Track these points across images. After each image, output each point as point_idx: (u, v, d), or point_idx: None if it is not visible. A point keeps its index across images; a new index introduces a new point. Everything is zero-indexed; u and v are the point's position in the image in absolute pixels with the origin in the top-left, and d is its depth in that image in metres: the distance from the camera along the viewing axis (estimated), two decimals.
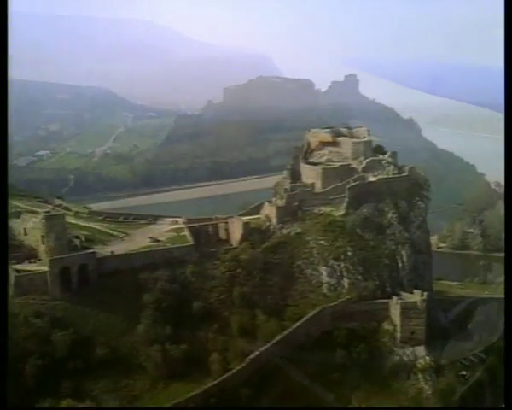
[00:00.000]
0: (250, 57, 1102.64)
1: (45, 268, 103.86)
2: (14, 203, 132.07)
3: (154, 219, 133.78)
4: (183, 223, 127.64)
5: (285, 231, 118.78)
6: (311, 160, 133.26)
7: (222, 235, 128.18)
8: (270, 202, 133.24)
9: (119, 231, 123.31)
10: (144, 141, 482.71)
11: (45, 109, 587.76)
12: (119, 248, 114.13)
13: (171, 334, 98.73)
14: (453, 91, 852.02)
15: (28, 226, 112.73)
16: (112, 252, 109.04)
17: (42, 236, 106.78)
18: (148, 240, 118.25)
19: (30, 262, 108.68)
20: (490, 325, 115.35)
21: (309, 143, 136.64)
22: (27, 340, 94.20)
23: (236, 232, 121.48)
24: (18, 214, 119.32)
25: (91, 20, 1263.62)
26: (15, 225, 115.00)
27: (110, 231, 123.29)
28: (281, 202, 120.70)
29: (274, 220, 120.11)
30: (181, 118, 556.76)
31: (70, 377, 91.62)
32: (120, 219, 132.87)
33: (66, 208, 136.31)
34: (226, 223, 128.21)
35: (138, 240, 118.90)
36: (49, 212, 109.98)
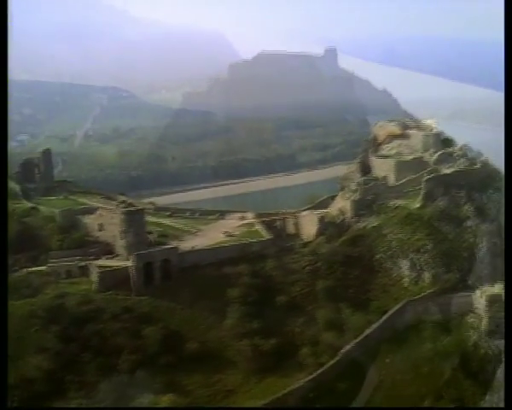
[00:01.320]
0: (201, 34, 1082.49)
1: (126, 263, 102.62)
2: (80, 200, 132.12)
3: (222, 214, 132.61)
4: (253, 218, 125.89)
5: (361, 225, 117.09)
6: (379, 153, 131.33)
7: (290, 229, 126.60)
8: (333, 197, 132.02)
9: (191, 227, 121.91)
10: (127, 122, 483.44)
11: (14, 93, 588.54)
12: (194, 243, 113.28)
13: (259, 328, 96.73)
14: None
15: (105, 222, 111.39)
16: (193, 247, 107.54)
17: (120, 231, 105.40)
18: (223, 235, 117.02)
19: (107, 258, 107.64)
20: None
21: (376, 137, 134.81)
22: (117, 335, 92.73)
23: (309, 226, 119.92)
24: (92, 210, 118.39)
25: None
26: (89, 220, 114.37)
27: (181, 227, 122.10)
28: (355, 196, 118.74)
29: (349, 214, 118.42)
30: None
31: (163, 372, 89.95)
32: (187, 215, 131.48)
33: (131, 204, 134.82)
34: (295, 217, 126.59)
35: (212, 235, 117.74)
36: (127, 207, 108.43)
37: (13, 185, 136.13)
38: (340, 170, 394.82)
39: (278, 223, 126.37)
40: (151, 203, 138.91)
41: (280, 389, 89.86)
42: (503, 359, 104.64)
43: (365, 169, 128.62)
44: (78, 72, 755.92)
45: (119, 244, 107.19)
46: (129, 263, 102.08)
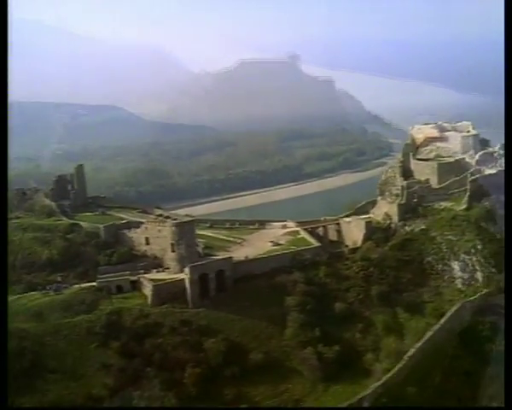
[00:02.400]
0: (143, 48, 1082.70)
1: (179, 276, 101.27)
2: (117, 215, 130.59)
3: (261, 223, 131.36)
4: (296, 226, 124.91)
5: (408, 228, 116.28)
6: (418, 156, 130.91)
7: (332, 236, 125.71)
8: (371, 202, 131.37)
9: (235, 237, 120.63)
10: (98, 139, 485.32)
11: None
12: (242, 253, 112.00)
13: (321, 336, 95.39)
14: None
15: (151, 235, 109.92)
16: (246, 257, 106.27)
17: (172, 243, 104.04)
18: (270, 244, 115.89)
19: (158, 271, 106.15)
20: None
21: (414, 140, 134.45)
22: (178, 349, 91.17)
23: (355, 232, 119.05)
24: (134, 225, 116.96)
25: None
26: (135, 235, 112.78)
27: (225, 238, 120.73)
28: (400, 200, 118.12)
29: (395, 218, 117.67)
30: None
31: (230, 384, 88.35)
32: (227, 226, 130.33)
33: (168, 217, 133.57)
34: (337, 224, 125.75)
35: (259, 245, 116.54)
36: (176, 219, 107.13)
37: (48, 202, 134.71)
38: (347, 178, 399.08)
39: (321, 230, 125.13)
40: (187, 216, 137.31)
41: (348, 396, 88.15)
42: None
43: (406, 173, 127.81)
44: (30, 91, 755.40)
45: (170, 257, 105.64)
46: (182, 275, 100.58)
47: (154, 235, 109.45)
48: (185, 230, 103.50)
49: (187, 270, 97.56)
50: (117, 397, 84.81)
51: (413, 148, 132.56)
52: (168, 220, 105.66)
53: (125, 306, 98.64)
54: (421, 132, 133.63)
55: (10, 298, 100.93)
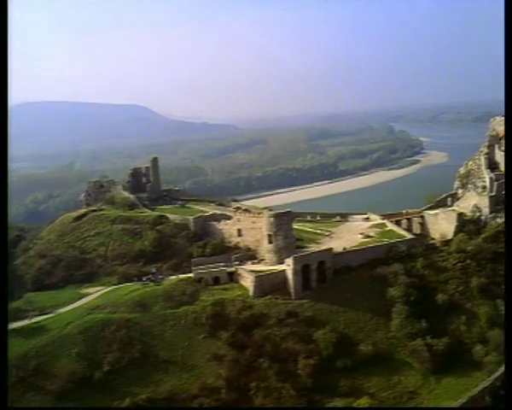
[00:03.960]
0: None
1: (278, 267, 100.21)
2: (196, 208, 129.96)
3: (343, 216, 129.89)
4: (382, 218, 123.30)
5: (499, 221, 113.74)
6: (502, 148, 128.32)
7: (415, 229, 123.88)
8: (451, 195, 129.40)
9: (322, 229, 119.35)
10: None
11: None
12: (333, 245, 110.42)
13: (428, 328, 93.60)
14: None
15: (244, 227, 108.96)
16: (344, 248, 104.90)
17: (269, 234, 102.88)
18: (360, 236, 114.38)
19: (253, 263, 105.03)
20: None
21: (497, 132, 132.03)
22: (287, 340, 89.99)
23: (443, 225, 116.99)
24: (221, 217, 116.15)
25: None
26: (226, 227, 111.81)
27: (312, 230, 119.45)
28: (490, 192, 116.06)
29: (485, 210, 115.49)
30: None
31: (343, 376, 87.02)
32: (309, 218, 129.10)
33: (247, 210, 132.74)
34: (421, 217, 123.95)
35: (349, 237, 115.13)
36: (271, 210, 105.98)
37: (127, 195, 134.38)
38: (384, 175, 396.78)
39: (405, 223, 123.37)
40: (266, 208, 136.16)
41: (461, 388, 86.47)
42: None
43: (492, 165, 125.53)
44: None
45: (266, 248, 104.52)
46: (283, 267, 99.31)
47: (247, 226, 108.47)
48: (283, 221, 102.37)
49: (289, 261, 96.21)
50: (232, 388, 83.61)
51: (497, 139, 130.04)
52: (264, 211, 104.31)
53: (226, 297, 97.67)
54: (502, 124, 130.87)
55: (108, 289, 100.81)
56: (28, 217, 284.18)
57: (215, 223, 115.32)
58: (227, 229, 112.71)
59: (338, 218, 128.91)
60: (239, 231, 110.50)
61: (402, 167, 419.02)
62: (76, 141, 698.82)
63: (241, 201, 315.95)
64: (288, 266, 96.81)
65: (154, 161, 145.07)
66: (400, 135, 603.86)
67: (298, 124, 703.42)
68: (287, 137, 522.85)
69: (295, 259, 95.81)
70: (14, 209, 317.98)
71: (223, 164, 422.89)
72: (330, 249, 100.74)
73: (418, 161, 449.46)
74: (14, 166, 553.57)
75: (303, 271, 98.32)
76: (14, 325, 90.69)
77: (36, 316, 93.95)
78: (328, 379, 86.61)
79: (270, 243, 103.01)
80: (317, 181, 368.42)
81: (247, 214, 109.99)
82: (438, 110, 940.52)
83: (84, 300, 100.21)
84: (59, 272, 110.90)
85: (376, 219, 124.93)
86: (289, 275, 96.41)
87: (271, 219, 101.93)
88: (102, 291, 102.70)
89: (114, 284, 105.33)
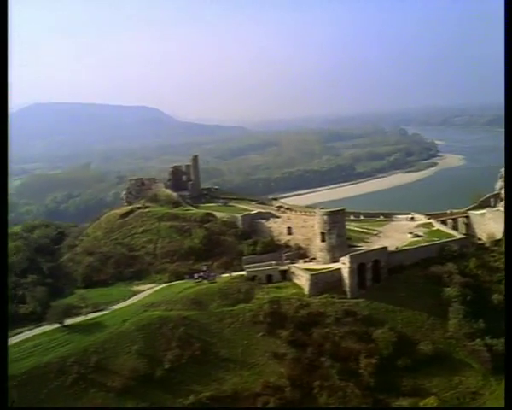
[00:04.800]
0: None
1: (332, 266, 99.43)
2: (239, 206, 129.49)
3: (386, 216, 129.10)
4: (427, 218, 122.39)
5: None
6: None
7: (460, 229, 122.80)
8: (494, 195, 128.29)
9: (369, 229, 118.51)
10: None
11: None
12: (382, 243, 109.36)
13: (486, 328, 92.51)
14: None
15: (294, 225, 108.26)
16: (396, 248, 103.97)
17: (322, 233, 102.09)
18: (409, 236, 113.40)
19: (305, 261, 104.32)
20: None
21: None
22: (346, 338, 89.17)
23: (491, 225, 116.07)
24: (267, 215, 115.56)
25: None
26: (275, 225, 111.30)
27: (359, 229, 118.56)
28: None
29: None
30: None
31: (405, 376, 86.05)
32: (351, 218, 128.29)
33: (289, 209, 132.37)
34: (466, 217, 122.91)
35: (397, 236, 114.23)
36: (323, 208, 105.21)
37: (169, 192, 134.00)
38: (403, 178, 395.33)
39: (450, 222, 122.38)
40: (308, 207, 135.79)
41: None
42: None
43: None
44: None
45: (319, 247, 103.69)
46: (337, 265, 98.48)
47: (298, 224, 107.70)
48: (337, 219, 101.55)
49: (345, 259, 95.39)
50: (295, 386, 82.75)
51: None
52: (317, 210, 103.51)
53: (281, 295, 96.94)
54: None
55: (160, 286, 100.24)
56: (49, 216, 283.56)
57: (263, 221, 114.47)
58: (276, 227, 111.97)
59: (381, 217, 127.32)
60: (289, 229, 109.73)
61: (420, 170, 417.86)
62: (88, 142, 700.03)
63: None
64: (343, 265, 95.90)
65: (195, 159, 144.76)
66: (414, 138, 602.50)
67: (307, 126, 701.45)
68: (300, 139, 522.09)
69: (352, 257, 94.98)
70: (35, 209, 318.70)
71: (238, 166, 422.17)
72: (385, 248, 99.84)
73: (435, 164, 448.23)
74: (29, 166, 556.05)
75: (358, 269, 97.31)
76: (69, 321, 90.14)
77: (90, 312, 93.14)
78: (391, 379, 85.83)
79: (323, 241, 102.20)
80: (335, 183, 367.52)
81: (298, 212, 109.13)
82: (449, 113, 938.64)
83: (137, 297, 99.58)
84: (108, 269, 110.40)
85: (421, 218, 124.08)
86: (345, 274, 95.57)
87: (325, 217, 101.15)
88: (154, 288, 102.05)
89: (165, 282, 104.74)
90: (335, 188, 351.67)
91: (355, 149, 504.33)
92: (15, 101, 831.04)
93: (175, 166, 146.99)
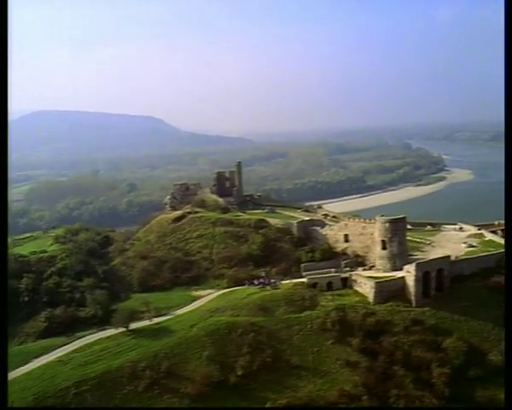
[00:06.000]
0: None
1: (395, 274, 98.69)
2: (286, 213, 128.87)
3: (433, 225, 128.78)
4: (476, 229, 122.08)
5: None
6: None
7: None
8: None
9: (420, 238, 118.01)
10: None
11: None
12: (437, 253, 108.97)
13: None
14: None
15: (352, 233, 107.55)
16: (456, 257, 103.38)
17: (382, 240, 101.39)
18: (464, 245, 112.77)
19: (364, 269, 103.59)
20: None
21: None
22: (415, 348, 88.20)
23: None
24: (319, 223, 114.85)
25: None
26: (331, 232, 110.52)
27: (411, 238, 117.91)
28: None
29: None
30: None
31: (476, 386, 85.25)
32: None
33: (335, 217, 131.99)
34: None
35: (451, 246, 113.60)
36: (383, 216, 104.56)
37: (216, 198, 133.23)
38: (414, 191, 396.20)
39: (499, 233, 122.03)
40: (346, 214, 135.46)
41: None
42: None
43: None
44: None
45: (379, 255, 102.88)
46: (400, 273, 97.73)
47: (356, 232, 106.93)
48: (398, 227, 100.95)
49: (410, 267, 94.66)
50: (372, 395, 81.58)
51: None
52: (377, 217, 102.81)
53: (345, 303, 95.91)
54: None
55: (221, 291, 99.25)
56: (62, 222, 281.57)
57: (318, 228, 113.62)
58: (332, 234, 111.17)
59: (428, 227, 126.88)
60: (345, 236, 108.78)
61: (429, 184, 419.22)
62: (90, 150, 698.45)
63: None
64: (408, 273, 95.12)
65: (239, 165, 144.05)
66: (419, 152, 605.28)
67: (311, 139, 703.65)
68: (308, 151, 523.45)
69: (418, 265, 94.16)
70: (47, 215, 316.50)
71: (246, 176, 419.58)
72: (448, 257, 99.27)
73: (444, 178, 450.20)
74: (33, 173, 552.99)
75: (424, 278, 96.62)
76: (134, 326, 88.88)
77: (153, 317, 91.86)
78: (464, 389, 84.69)
79: (384, 249, 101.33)
80: (347, 195, 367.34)
81: (357, 220, 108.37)
82: (452, 128, 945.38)
83: (199, 302, 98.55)
84: (164, 273, 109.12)
85: (470, 229, 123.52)
86: (410, 282, 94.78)
87: (387, 224, 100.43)
88: (215, 294, 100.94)
89: (224, 287, 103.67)
90: (348, 200, 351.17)
91: (362, 161, 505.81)
92: (17, 107, 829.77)
93: (219, 172, 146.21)
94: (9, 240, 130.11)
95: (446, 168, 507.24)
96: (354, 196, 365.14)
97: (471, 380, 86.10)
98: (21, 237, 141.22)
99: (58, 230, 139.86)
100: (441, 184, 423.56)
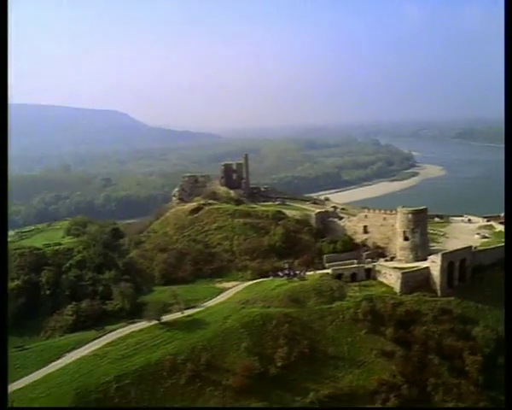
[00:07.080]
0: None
1: (420, 264, 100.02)
2: (295, 205, 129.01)
3: (440, 217, 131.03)
4: (487, 220, 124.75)
5: None
6: None
7: None
8: None
9: (433, 230, 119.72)
10: None
11: None
12: (454, 244, 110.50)
13: None
14: None
15: (371, 224, 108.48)
16: (475, 247, 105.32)
17: (404, 231, 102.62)
18: (477, 236, 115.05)
19: (386, 260, 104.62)
20: None
21: None
22: (445, 336, 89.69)
23: None
24: (335, 214, 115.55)
25: None
26: (350, 223, 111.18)
27: None
28: None
29: None
30: None
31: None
32: None
33: (344, 209, 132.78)
34: None
35: (465, 237, 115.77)
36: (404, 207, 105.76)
37: (227, 190, 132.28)
38: (389, 186, 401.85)
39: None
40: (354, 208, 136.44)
41: None
42: None
43: None
44: None
45: (401, 246, 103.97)
46: (425, 264, 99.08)
47: (376, 223, 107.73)
48: (420, 218, 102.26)
49: (436, 258, 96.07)
50: (410, 384, 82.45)
51: None
52: (399, 208, 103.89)
53: (372, 293, 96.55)
54: None
55: (247, 283, 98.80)
56: (39, 217, 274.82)
57: (336, 219, 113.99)
58: (351, 226, 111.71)
59: (436, 219, 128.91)
60: (365, 227, 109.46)
61: (404, 179, 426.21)
62: (57, 144, 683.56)
63: None
64: (433, 264, 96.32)
65: (246, 158, 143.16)
66: (390, 148, 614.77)
67: (281, 135, 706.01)
68: (281, 147, 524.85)
69: (443, 256, 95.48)
70: (23, 209, 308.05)
71: (219, 171, 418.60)
72: (470, 247, 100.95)
73: (417, 174, 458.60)
74: None
75: (448, 268, 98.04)
76: (166, 318, 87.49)
77: (183, 309, 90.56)
78: (496, 376, 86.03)
79: (406, 240, 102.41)
80: (324, 189, 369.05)
81: (377, 211, 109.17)
82: (418, 126, 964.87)
83: (226, 294, 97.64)
84: (186, 266, 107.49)
85: (478, 220, 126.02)
86: (435, 272, 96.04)
87: (409, 215, 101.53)
88: (241, 286, 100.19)
89: (247, 279, 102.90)
90: (326, 194, 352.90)
91: (334, 157, 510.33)
92: None
93: (225, 165, 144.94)
94: (13, 232, 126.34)
95: (418, 164, 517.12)
96: (332, 191, 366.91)
97: (501, 367, 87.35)
98: (26, 229, 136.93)
99: (62, 222, 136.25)
100: (416, 179, 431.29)
